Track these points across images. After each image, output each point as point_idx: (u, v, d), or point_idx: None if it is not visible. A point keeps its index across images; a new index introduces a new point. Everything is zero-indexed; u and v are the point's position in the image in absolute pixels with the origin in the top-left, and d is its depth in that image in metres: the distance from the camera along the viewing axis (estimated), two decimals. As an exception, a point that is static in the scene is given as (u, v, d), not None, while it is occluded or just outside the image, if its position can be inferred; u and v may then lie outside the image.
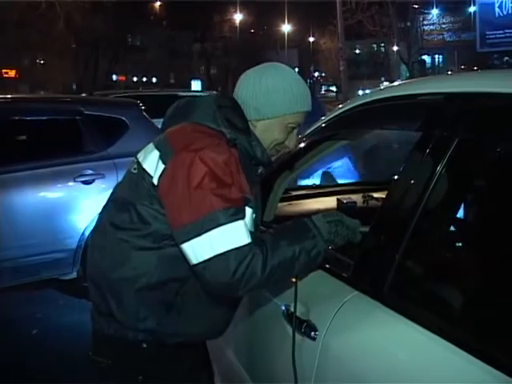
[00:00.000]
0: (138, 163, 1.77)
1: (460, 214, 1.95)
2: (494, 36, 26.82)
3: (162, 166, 1.67)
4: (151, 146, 1.78)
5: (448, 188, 1.64)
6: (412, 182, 1.68)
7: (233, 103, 1.81)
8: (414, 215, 1.59)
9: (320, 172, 4.43)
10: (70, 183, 4.81)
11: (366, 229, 1.79)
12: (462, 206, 1.94)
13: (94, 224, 1.91)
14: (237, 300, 1.90)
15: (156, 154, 1.71)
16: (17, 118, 4.91)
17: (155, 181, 1.68)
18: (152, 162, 1.71)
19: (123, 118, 5.22)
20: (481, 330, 1.36)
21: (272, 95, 1.77)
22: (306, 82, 1.86)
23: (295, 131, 1.85)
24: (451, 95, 1.73)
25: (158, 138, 1.80)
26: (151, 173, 1.70)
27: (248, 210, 1.68)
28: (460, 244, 1.82)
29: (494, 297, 1.44)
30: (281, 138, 1.82)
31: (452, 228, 1.89)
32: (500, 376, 1.20)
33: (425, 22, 42.55)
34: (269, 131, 1.81)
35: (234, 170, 1.65)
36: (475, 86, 1.72)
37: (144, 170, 1.73)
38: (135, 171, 1.78)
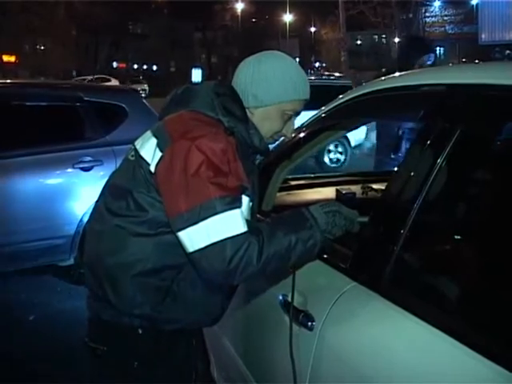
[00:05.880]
0: (136, 150, 1.76)
1: (460, 206, 1.94)
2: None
3: (159, 154, 1.66)
4: (149, 133, 1.77)
5: (449, 179, 1.63)
6: (412, 172, 1.67)
7: (231, 91, 1.80)
8: (414, 206, 1.58)
9: None
10: (69, 169, 4.79)
11: (364, 219, 1.78)
12: (463, 197, 1.93)
13: (91, 211, 1.90)
14: (233, 288, 1.90)
15: (153, 141, 1.70)
16: (16, 103, 4.88)
17: (152, 168, 1.67)
18: (149, 150, 1.70)
19: (123, 105, 5.19)
20: (479, 322, 1.36)
21: (270, 82, 1.76)
22: (307, 72, 1.85)
23: (293, 119, 1.84)
24: (453, 86, 1.71)
25: (156, 126, 1.79)
26: (148, 160, 1.69)
27: (245, 199, 1.68)
28: (460, 236, 1.81)
29: (493, 290, 1.44)
30: (278, 125, 1.82)
31: (452, 220, 1.88)
32: (500, 370, 1.19)
33: (427, 14, 42.52)
34: (266, 119, 1.80)
35: (231, 158, 1.64)
36: (477, 78, 1.70)
37: (141, 157, 1.72)
38: (132, 158, 1.77)
